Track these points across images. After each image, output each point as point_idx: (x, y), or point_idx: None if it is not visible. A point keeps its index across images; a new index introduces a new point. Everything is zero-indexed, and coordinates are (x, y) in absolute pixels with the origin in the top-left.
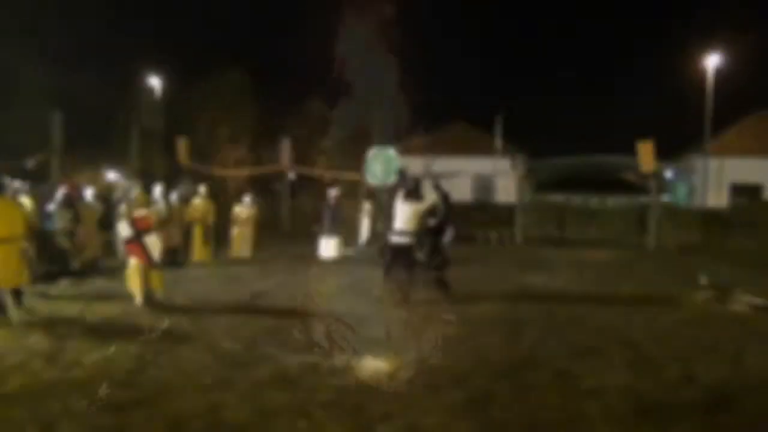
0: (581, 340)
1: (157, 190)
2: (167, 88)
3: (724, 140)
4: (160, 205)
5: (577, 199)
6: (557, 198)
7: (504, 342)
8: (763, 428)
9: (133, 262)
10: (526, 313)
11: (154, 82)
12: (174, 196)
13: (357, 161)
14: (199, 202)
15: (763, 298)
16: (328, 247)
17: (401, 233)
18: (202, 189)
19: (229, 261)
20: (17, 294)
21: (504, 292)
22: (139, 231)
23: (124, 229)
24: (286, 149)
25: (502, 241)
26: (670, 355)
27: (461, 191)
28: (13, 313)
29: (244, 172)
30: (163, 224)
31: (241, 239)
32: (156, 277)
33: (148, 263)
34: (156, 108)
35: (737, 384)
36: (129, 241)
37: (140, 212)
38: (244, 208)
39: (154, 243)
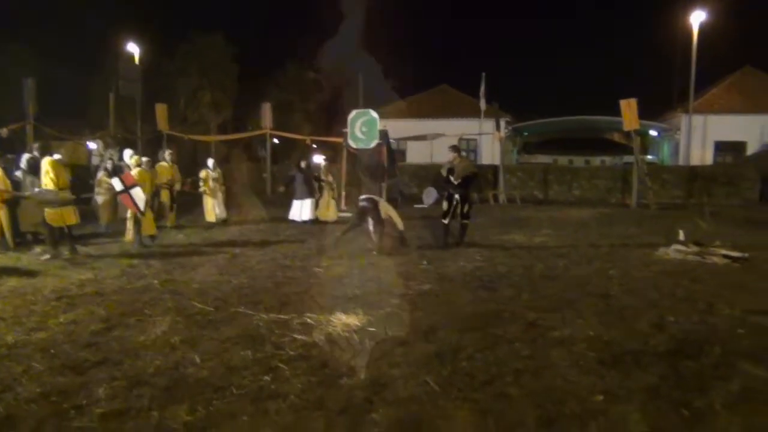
0: (555, 294)
1: (126, 154)
2: (146, 55)
3: (708, 98)
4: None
5: (563, 160)
6: (544, 159)
7: (477, 297)
8: (724, 372)
9: (130, 212)
10: (503, 269)
11: (133, 48)
12: (144, 162)
13: (339, 125)
14: (165, 166)
15: (739, 251)
16: (301, 210)
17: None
18: (167, 154)
19: (206, 225)
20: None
21: (483, 250)
22: (127, 185)
23: (116, 185)
24: (267, 114)
25: (485, 202)
26: (643, 306)
27: (447, 153)
28: (71, 247)
29: (225, 137)
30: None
31: (212, 204)
32: (147, 222)
33: (138, 212)
34: (135, 75)
35: (706, 331)
36: (120, 194)
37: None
38: (210, 172)
39: (139, 195)
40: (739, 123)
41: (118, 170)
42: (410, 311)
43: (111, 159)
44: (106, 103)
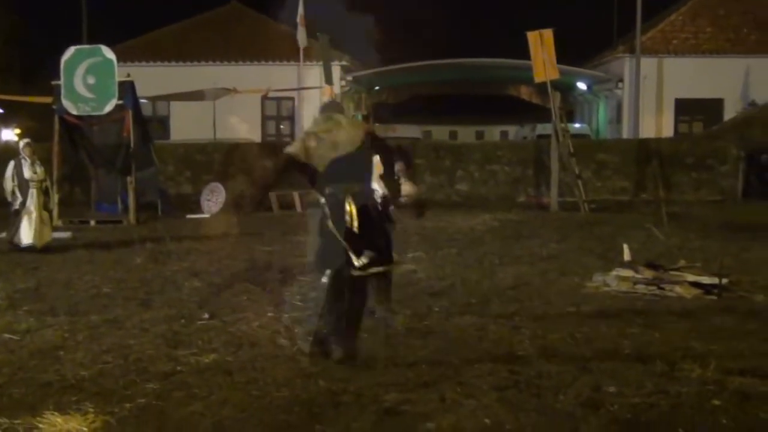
0: (428, 359)
1: None
2: None
3: (664, 30)
4: None
5: (440, 132)
6: (408, 130)
7: (297, 370)
8: None
9: None
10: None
11: None
12: None
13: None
14: None
15: (716, 275)
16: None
17: None
18: None
19: None
20: None
21: (308, 288)
22: None
23: None
24: None
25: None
26: (570, 372)
27: (237, 125)
28: None
29: None
30: None
31: None
32: None
33: None
34: None
35: (665, 406)
36: None
37: None
38: None
39: None
40: (712, 68)
41: None
42: (180, 402)
43: None
44: None
